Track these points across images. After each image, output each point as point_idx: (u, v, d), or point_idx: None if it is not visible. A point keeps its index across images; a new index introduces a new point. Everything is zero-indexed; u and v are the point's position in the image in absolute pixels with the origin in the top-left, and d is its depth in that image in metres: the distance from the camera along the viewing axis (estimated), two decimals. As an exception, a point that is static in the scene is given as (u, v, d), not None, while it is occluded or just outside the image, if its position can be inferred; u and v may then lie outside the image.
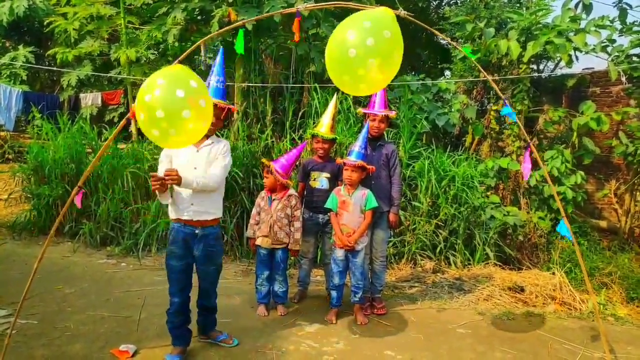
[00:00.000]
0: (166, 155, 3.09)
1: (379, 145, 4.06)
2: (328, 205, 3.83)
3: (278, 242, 3.89)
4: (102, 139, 7.47)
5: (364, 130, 3.82)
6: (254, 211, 4.02)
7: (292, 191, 3.99)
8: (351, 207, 3.74)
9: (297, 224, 3.94)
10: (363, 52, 2.44)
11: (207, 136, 3.09)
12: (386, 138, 4.35)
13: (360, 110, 4.23)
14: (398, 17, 2.85)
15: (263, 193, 4.02)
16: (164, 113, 2.43)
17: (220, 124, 3.26)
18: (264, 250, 3.92)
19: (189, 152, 3.05)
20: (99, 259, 5.32)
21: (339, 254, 3.81)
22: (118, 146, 6.79)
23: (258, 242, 3.92)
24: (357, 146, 3.75)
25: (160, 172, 2.95)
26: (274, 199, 3.91)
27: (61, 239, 5.93)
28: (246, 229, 4.36)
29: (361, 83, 2.60)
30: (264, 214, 3.92)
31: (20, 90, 10.14)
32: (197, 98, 2.51)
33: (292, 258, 5.20)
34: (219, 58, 3.24)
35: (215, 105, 2.93)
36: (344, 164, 3.76)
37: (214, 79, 3.21)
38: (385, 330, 3.77)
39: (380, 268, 4.13)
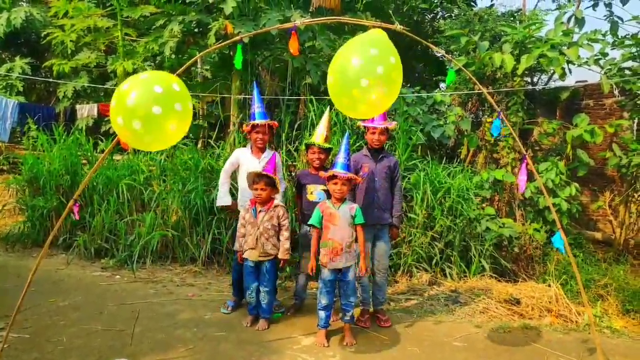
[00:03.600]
0: (231, 164, 4.31)
1: (381, 158, 4.07)
2: (312, 221, 3.69)
3: (265, 255, 3.87)
4: (98, 150, 7.45)
5: (345, 142, 3.71)
6: (239, 224, 4.02)
7: (277, 201, 3.98)
8: (339, 220, 3.62)
9: (286, 234, 3.92)
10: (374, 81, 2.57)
11: (262, 149, 4.22)
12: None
13: (360, 123, 4.21)
14: (394, 31, 2.89)
15: (247, 205, 3.99)
16: (140, 123, 2.46)
17: (268, 138, 4.26)
18: (251, 263, 3.89)
19: (253, 162, 4.17)
20: (93, 271, 5.28)
21: (327, 273, 3.66)
22: (113, 157, 6.78)
23: (245, 255, 3.90)
24: (342, 157, 3.62)
25: (227, 169, 4.34)
26: (259, 211, 3.89)
27: (55, 251, 5.88)
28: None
29: (363, 104, 2.72)
30: (250, 227, 3.89)
31: (16, 101, 10.12)
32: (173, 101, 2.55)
33: (288, 270, 5.19)
34: (255, 91, 4.19)
35: (264, 125, 4.10)
36: (334, 176, 3.60)
37: (256, 106, 4.15)
38: (381, 343, 3.74)
39: (382, 280, 4.10)
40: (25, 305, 3.77)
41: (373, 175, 4.01)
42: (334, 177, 3.60)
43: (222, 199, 4.37)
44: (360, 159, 4.09)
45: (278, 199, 4.08)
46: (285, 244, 3.91)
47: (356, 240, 3.74)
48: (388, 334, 3.91)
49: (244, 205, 4.12)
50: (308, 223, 3.81)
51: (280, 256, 3.92)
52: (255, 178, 3.83)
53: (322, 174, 3.81)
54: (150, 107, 2.46)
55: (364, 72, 2.56)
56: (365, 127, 4.10)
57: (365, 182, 3.98)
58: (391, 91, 2.67)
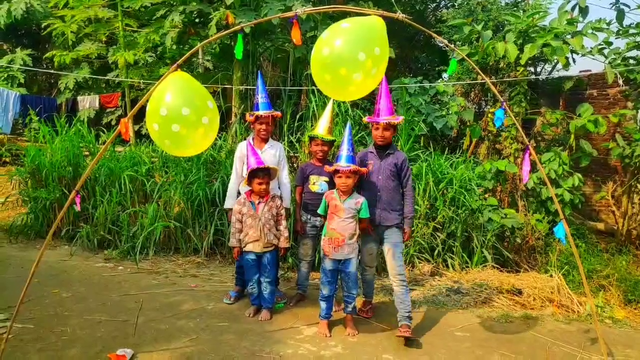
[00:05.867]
0: (239, 158, 4.19)
1: (387, 154, 3.82)
2: (319, 210, 3.79)
3: (268, 245, 3.89)
4: (100, 141, 7.46)
5: (347, 133, 3.67)
6: (233, 219, 3.95)
7: (273, 192, 4.02)
8: (343, 212, 3.62)
9: (285, 222, 3.99)
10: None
11: (265, 140, 4.18)
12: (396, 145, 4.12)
13: (365, 119, 4.07)
14: (396, 20, 2.86)
15: (242, 199, 3.95)
16: (192, 140, 2.83)
17: (272, 129, 4.24)
18: (253, 256, 3.89)
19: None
20: (96, 262, 5.30)
21: (328, 264, 3.68)
22: (116, 149, 6.78)
23: (249, 248, 3.87)
24: (345, 150, 3.61)
25: (237, 170, 4.18)
26: (258, 203, 3.89)
27: (58, 242, 5.91)
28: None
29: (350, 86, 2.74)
30: (251, 220, 3.86)
31: (18, 93, 10.13)
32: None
33: (291, 260, 5.22)
34: (259, 80, 4.13)
35: (268, 116, 4.05)
36: (337, 171, 3.60)
37: (260, 96, 4.09)
38: (383, 333, 3.76)
39: (401, 290, 3.66)
40: (28, 296, 3.79)
41: (377, 173, 3.80)
42: (337, 171, 3.61)
43: (227, 201, 4.26)
44: (365, 156, 3.91)
45: (284, 180, 4.22)
46: (285, 233, 3.96)
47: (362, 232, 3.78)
48: (390, 324, 3.92)
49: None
50: (317, 212, 3.87)
51: (281, 245, 3.96)
52: (258, 173, 3.81)
53: (327, 168, 3.82)
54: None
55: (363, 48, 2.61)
56: (370, 122, 3.95)
57: (368, 179, 3.82)
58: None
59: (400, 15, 2.88)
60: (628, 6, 6.09)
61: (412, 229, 3.95)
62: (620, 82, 6.05)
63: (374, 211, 3.75)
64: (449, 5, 11.79)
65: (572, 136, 6.09)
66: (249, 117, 4.20)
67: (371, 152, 3.90)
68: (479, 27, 6.35)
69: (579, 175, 5.84)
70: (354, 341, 3.59)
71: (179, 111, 2.68)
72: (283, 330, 3.70)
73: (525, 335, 3.84)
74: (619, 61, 5.98)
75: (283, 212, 4.00)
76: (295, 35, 2.99)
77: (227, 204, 4.25)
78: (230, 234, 4.04)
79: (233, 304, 4.20)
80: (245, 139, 5.26)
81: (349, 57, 2.60)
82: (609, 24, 5.93)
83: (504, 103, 3.31)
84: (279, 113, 4.21)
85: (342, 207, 3.63)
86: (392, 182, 3.79)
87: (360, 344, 3.55)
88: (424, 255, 5.36)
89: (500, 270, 5.21)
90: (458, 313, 4.28)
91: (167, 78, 2.80)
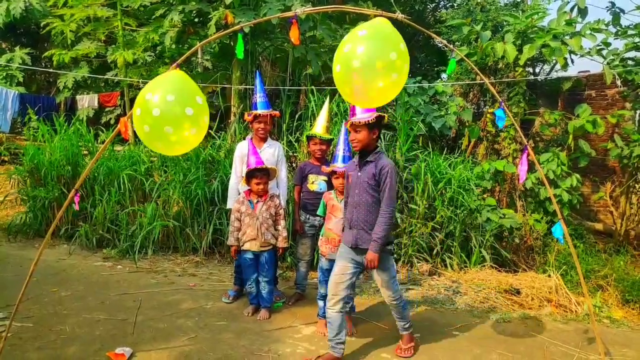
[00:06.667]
0: (239, 157, 4.17)
1: (365, 162, 3.17)
2: (318, 211, 3.82)
3: (266, 244, 3.90)
4: (99, 141, 7.45)
5: (343, 133, 3.63)
6: (232, 218, 3.97)
7: (272, 192, 4.03)
8: (340, 212, 3.62)
9: (283, 222, 4.00)
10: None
11: (264, 139, 4.19)
12: (383, 149, 3.64)
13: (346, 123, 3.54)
14: (395, 20, 2.87)
15: (241, 198, 3.97)
16: (172, 129, 2.61)
17: (270, 128, 4.26)
18: (250, 255, 3.91)
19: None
20: (95, 261, 5.30)
21: (325, 263, 3.70)
22: (115, 148, 6.78)
23: (246, 247, 3.89)
24: (341, 150, 3.59)
25: (237, 170, 4.16)
26: (257, 202, 3.91)
27: (57, 241, 5.91)
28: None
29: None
30: (249, 218, 3.88)
31: (17, 91, 10.11)
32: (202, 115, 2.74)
33: (289, 260, 5.22)
34: (257, 80, 4.17)
35: (266, 115, 4.07)
36: (334, 172, 3.60)
37: (258, 96, 4.12)
38: (381, 332, 3.76)
39: (397, 309, 3.34)
40: (27, 295, 3.79)
41: (354, 186, 3.20)
42: (334, 172, 3.62)
43: (229, 201, 4.29)
44: (349, 167, 3.41)
45: (283, 178, 4.23)
46: (283, 233, 3.98)
47: None
48: (388, 323, 3.92)
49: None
50: (316, 213, 3.89)
51: (279, 245, 3.98)
52: (256, 173, 3.82)
53: (324, 169, 3.83)
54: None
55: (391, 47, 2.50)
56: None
57: (345, 195, 3.36)
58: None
59: (399, 15, 2.89)
60: (623, 11, 6.12)
61: (378, 254, 3.05)
62: (619, 82, 6.07)
63: (350, 232, 3.21)
64: (448, 5, 11.82)
65: (571, 136, 6.11)
66: (247, 117, 4.21)
67: (354, 161, 3.35)
68: (478, 28, 6.36)
69: (577, 175, 5.86)
70: (352, 340, 3.59)
71: (164, 97, 2.63)
72: (281, 329, 3.71)
73: (523, 334, 3.85)
74: (617, 62, 6.00)
75: (282, 211, 4.02)
76: (294, 35, 2.98)
77: (229, 204, 4.27)
78: (229, 233, 4.06)
79: (232, 303, 4.21)
80: (244, 139, 5.26)
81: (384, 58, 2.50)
82: (607, 24, 5.95)
83: (503, 103, 3.31)
84: (277, 112, 4.22)
85: (339, 207, 3.63)
86: (371, 197, 3.13)
87: (358, 343, 3.55)
88: (422, 255, 5.37)
89: (499, 270, 5.22)
90: (456, 312, 4.29)
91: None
